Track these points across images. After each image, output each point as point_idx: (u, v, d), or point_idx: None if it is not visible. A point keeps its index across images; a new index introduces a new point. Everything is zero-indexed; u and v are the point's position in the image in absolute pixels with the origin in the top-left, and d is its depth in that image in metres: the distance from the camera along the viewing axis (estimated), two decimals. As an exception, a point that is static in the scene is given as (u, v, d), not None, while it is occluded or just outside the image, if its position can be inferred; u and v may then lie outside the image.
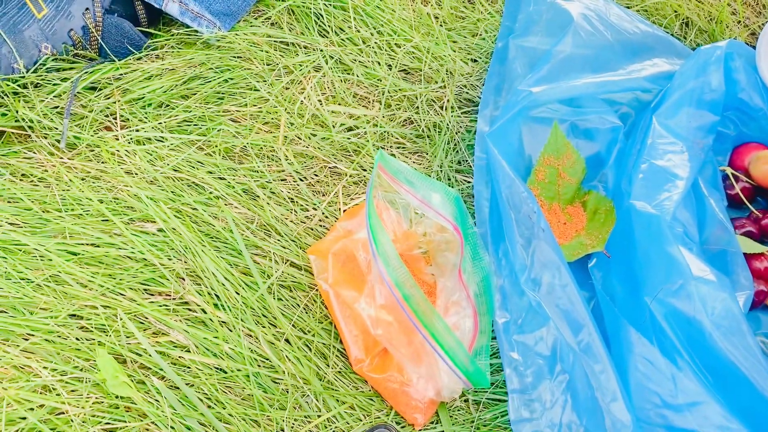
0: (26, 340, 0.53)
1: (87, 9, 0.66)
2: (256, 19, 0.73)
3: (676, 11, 0.81)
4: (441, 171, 0.69)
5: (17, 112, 0.62)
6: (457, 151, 0.70)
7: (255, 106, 0.69)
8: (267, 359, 0.56)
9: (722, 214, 0.63)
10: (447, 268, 0.58)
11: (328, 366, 0.58)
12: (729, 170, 0.69)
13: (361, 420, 0.56)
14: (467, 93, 0.73)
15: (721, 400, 0.50)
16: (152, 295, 0.57)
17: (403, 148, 0.70)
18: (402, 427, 0.56)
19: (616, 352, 0.56)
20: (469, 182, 0.68)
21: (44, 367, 0.52)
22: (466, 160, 0.70)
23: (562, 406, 0.53)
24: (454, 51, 0.75)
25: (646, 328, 0.54)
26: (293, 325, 0.58)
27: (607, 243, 0.62)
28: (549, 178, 0.67)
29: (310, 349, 0.58)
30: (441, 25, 0.77)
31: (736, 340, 0.51)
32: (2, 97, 0.62)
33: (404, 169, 0.57)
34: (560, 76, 0.68)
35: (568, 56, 0.68)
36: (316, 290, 0.60)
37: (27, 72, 0.63)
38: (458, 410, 0.57)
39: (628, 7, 0.80)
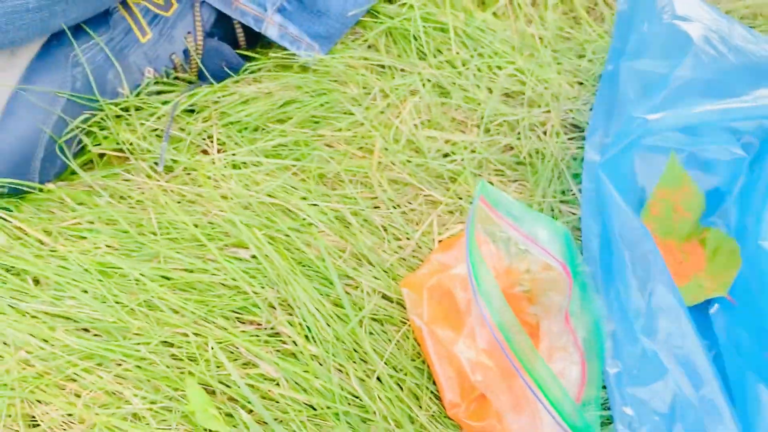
0: (119, 365, 0.53)
1: (189, 32, 0.66)
2: (353, 41, 0.72)
3: (807, 30, 0.73)
4: (544, 201, 0.65)
5: (118, 134, 0.63)
6: (562, 181, 0.66)
7: (350, 130, 0.67)
8: (357, 397, 0.54)
9: None
10: (552, 310, 0.54)
11: (421, 408, 0.54)
12: None
13: (455, 469, 0.52)
14: (573, 118, 0.69)
15: None
16: (243, 323, 0.56)
17: (503, 175, 0.67)
18: (499, 480, 0.52)
19: (742, 412, 0.50)
20: (574, 214, 0.64)
21: (135, 395, 0.52)
22: (571, 190, 0.65)
23: (683, 472, 0.47)
24: (559, 74, 0.71)
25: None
26: (385, 363, 0.55)
27: (731, 287, 0.56)
28: (664, 212, 0.61)
29: (402, 389, 0.55)
30: (545, 47, 0.73)
31: None
32: (105, 121, 0.63)
33: (507, 201, 0.53)
34: (678, 103, 0.63)
35: (687, 81, 0.63)
36: (409, 326, 0.57)
37: (130, 96, 0.64)
38: (561, 465, 0.53)
39: (752, 27, 0.73)
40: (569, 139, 0.68)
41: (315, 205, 0.63)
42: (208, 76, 0.68)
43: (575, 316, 0.53)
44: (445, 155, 0.66)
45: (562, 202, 0.65)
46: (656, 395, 0.50)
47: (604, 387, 0.54)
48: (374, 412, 0.53)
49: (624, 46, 0.69)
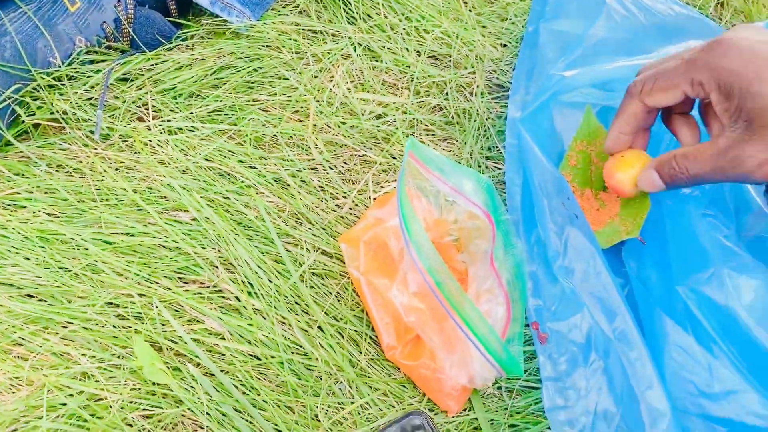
0: (65, 327, 0.54)
1: (119, 1, 0.66)
2: (284, 7, 0.73)
3: (711, -9, 0.79)
4: (471, 158, 0.69)
5: (52, 104, 0.63)
6: (488, 138, 0.70)
7: (284, 95, 0.69)
8: (300, 346, 0.57)
9: (760, 199, 0.61)
10: (479, 256, 0.58)
11: (361, 353, 0.58)
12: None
13: (393, 407, 0.56)
14: (497, 78, 0.73)
15: (758, 387, 0.49)
16: (186, 283, 0.58)
17: (433, 135, 0.70)
18: (435, 414, 0.56)
19: (651, 341, 0.55)
20: (500, 169, 0.68)
21: (83, 354, 0.53)
22: (497, 147, 0.69)
23: (597, 394, 0.52)
24: (484, 36, 0.75)
25: (681, 316, 0.54)
26: (326, 313, 0.58)
27: (642, 229, 0.61)
28: (581, 163, 0.66)
29: (343, 337, 0.58)
30: (470, 10, 0.76)
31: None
32: (38, 91, 0.63)
33: (435, 157, 0.56)
34: (593, 60, 0.67)
35: (600, 40, 0.67)
36: (348, 278, 0.60)
37: (62, 65, 0.64)
38: (491, 398, 0.57)
39: (661, -11, 0.78)
40: (494, 98, 0.72)
41: (253, 167, 0.65)
42: (141, 45, 0.68)
43: (499, 260, 0.57)
44: (378, 117, 0.69)
45: (488, 158, 0.69)
46: (574, 328, 0.54)
47: (528, 324, 0.58)
48: (317, 359, 0.56)
49: (543, 9, 0.73)
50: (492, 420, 0.56)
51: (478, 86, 0.71)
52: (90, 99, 0.65)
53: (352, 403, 0.56)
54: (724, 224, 0.58)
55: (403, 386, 0.57)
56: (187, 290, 0.57)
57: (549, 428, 0.54)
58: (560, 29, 0.70)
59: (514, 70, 0.72)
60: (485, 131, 0.70)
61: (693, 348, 0.52)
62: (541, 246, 0.59)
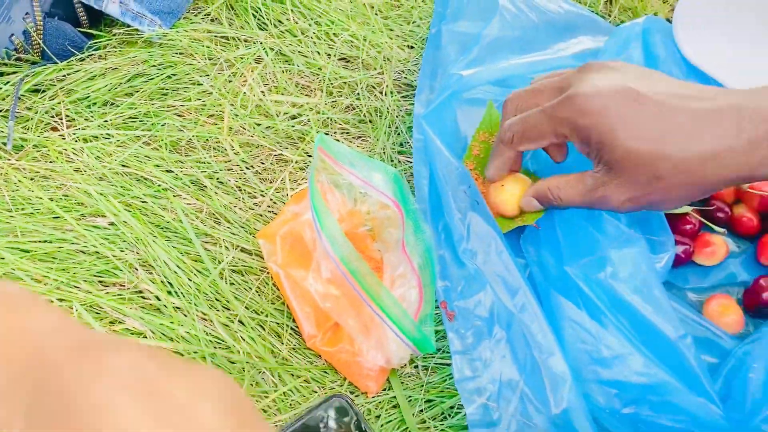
0: (-17, 336, 0.55)
1: (27, 13, 0.67)
2: (196, 15, 0.75)
3: (600, -8, 0.85)
4: (384, 153, 0.72)
5: (-39, 116, 0.63)
6: (399, 134, 0.73)
7: (199, 99, 0.71)
8: (222, 341, 0.59)
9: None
10: (391, 243, 0.61)
11: (282, 344, 0.60)
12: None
13: (316, 392, 0.59)
14: (405, 78, 0.77)
15: (642, 350, 0.55)
16: (107, 286, 0.59)
17: (347, 133, 0.73)
18: (356, 396, 0.59)
19: (550, 318, 0.59)
20: (411, 162, 0.71)
21: (3, 361, 0.54)
22: (408, 142, 0.73)
23: (501, 363, 0.56)
24: (391, 38, 0.78)
25: (574, 294, 0.58)
26: (246, 307, 0.61)
27: (545, 220, 0.66)
28: (484, 153, 0.70)
29: (264, 329, 0.60)
30: (377, 14, 0.79)
31: (647, 296, 0.55)
32: (-55, 103, 0.63)
33: (345, 151, 0.60)
34: (490, 59, 0.71)
35: (495, 39, 0.71)
36: (268, 273, 0.63)
37: (-31, 76, 0.64)
38: (409, 376, 0.61)
39: (554, -10, 0.84)
40: (403, 96, 0.76)
41: (170, 171, 0.66)
42: (52, 56, 0.69)
43: (410, 245, 0.60)
44: (293, 117, 0.72)
45: (399, 152, 0.73)
46: (478, 304, 0.58)
47: (437, 305, 0.62)
48: (239, 352, 0.58)
49: (444, 11, 0.77)
50: (409, 397, 0.59)
51: (387, 86, 0.75)
52: (0, 111, 0.65)
53: (276, 391, 0.58)
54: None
55: (325, 372, 0.60)
56: (107, 293, 0.59)
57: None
58: (460, 30, 0.74)
59: (420, 70, 0.76)
60: (396, 128, 0.74)
61: (585, 322, 0.56)
62: (448, 232, 0.62)
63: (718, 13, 0.79)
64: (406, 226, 0.60)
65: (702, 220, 0.70)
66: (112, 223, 0.62)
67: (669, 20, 0.80)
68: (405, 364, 0.60)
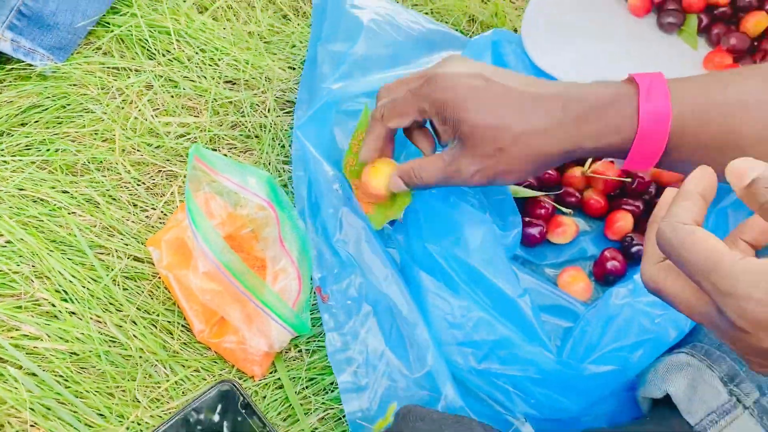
0: None
1: None
2: (88, 49, 0.81)
3: (463, 11, 0.95)
4: (269, 164, 0.79)
5: None
6: (282, 147, 0.80)
7: (92, 126, 0.76)
8: (116, 339, 0.64)
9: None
10: (270, 241, 0.68)
11: (174, 339, 0.65)
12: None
13: (206, 380, 0.64)
14: (287, 96, 0.84)
15: (490, 311, 0.62)
16: (3, 297, 0.64)
17: (235, 147, 0.80)
18: (244, 381, 0.65)
19: (415, 294, 0.66)
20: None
21: None
22: (291, 153, 0.80)
23: (368, 335, 0.63)
24: (273, 61, 0.86)
25: (435, 269, 0.66)
26: (138, 308, 0.66)
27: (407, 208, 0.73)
28: (362, 151, 0.78)
29: (156, 327, 0.66)
30: (260, 39, 0.87)
31: (494, 265, 0.63)
32: None
33: (220, 159, 0.66)
34: (360, 73, 0.79)
35: (363, 55, 0.80)
36: (159, 278, 0.68)
37: None
38: (293, 359, 0.67)
39: (421, 11, 0.93)
40: (286, 113, 0.83)
41: (65, 192, 0.71)
42: (-53, 92, 0.73)
43: (288, 241, 0.67)
44: (181, 136, 0.78)
45: (284, 163, 0.80)
46: (349, 286, 0.65)
47: (313, 292, 0.68)
48: (132, 348, 0.63)
49: (320, 33, 0.85)
50: (293, 377, 0.65)
51: (270, 103, 0.82)
52: None
53: (168, 381, 0.63)
54: (472, 194, 0.72)
55: (215, 362, 0.65)
56: (3, 303, 0.63)
57: (339, 374, 0.64)
58: (333, 50, 0.82)
59: (299, 87, 0.83)
60: (280, 141, 0.81)
61: (444, 292, 0.64)
62: (324, 227, 0.69)
63: (563, 23, 0.89)
64: (281, 224, 0.67)
65: (554, 204, 0.78)
66: (8, 241, 0.66)
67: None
68: (289, 349, 0.66)
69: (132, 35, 0.82)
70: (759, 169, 0.35)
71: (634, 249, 0.75)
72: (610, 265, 0.74)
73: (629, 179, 0.79)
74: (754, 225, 0.41)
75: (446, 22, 0.93)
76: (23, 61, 0.77)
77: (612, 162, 0.81)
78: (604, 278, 0.75)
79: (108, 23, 0.83)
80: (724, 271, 0.34)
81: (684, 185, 0.38)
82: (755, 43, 0.96)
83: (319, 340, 0.67)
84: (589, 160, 0.81)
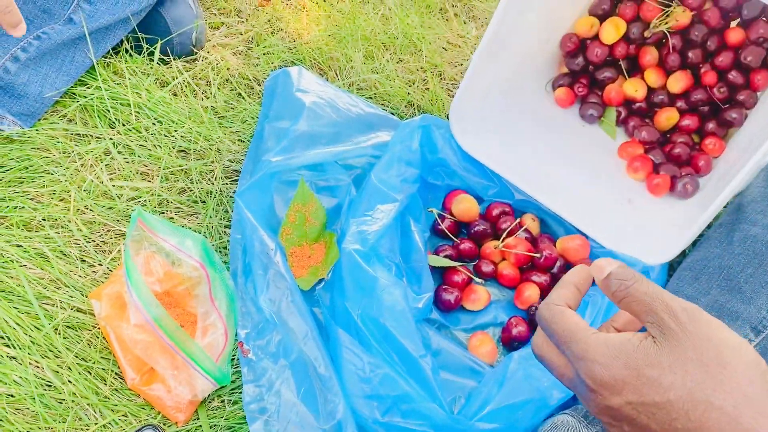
0: None
1: None
2: (54, 116, 0.89)
3: (403, 97, 1.05)
4: (212, 228, 0.86)
5: None
6: (226, 212, 0.88)
7: (51, 186, 0.83)
8: (51, 383, 0.69)
9: (420, 241, 0.84)
10: (202, 298, 0.74)
11: (106, 385, 0.71)
12: (435, 211, 0.91)
13: (132, 424, 0.69)
14: (234, 166, 0.92)
15: (397, 369, 0.69)
16: (-51, 341, 0.69)
17: (182, 211, 0.87)
18: (168, 426, 0.70)
19: (333, 348, 0.73)
20: (232, 234, 0.86)
21: None
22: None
23: (282, 386, 0.69)
24: (225, 134, 0.94)
25: (352, 329, 0.73)
26: (75, 356, 0.71)
27: (332, 272, 0.81)
28: (298, 221, 0.85)
29: (91, 374, 0.71)
30: (214, 114, 0.96)
31: (403, 326, 0.70)
32: None
33: (159, 222, 0.73)
34: (302, 149, 0.88)
35: (304, 132, 0.89)
36: (98, 328, 0.74)
37: None
38: (215, 409, 0.72)
39: (366, 96, 1.03)
40: (232, 181, 0.91)
41: (18, 246, 0.78)
42: None
43: (218, 299, 0.73)
44: (133, 199, 0.85)
45: (226, 227, 0.87)
46: (269, 342, 0.72)
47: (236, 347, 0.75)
48: (65, 392, 0.69)
49: (268, 111, 0.94)
50: (213, 425, 0.70)
51: (217, 172, 0.90)
52: None
53: (96, 424, 0.68)
54: (391, 260, 0.79)
55: (142, 407, 0.71)
56: (-51, 347, 0.68)
57: (256, 424, 0.70)
58: (278, 127, 0.91)
59: (245, 159, 0.92)
60: (224, 207, 0.88)
61: (357, 348, 0.70)
62: (254, 286, 0.76)
63: (491, 110, 0.99)
64: (213, 282, 0.73)
65: (469, 274, 0.86)
66: (-40, 289, 0.72)
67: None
68: (212, 398, 0.72)
69: (95, 106, 0.90)
70: (614, 266, 0.43)
71: (537, 318, 0.82)
72: (515, 331, 0.81)
73: (538, 255, 0.87)
74: (621, 315, 0.48)
75: (387, 106, 1.02)
76: (-8, 125, 0.84)
77: (524, 239, 0.90)
78: (510, 343, 0.82)
79: (74, 94, 0.91)
80: (580, 340, 0.41)
81: (563, 277, 0.46)
82: (667, 136, 1.07)
83: (239, 392, 0.73)
84: (504, 234, 0.90)
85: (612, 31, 1.05)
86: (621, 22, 1.06)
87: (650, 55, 1.07)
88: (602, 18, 1.07)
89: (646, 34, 1.06)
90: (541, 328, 0.44)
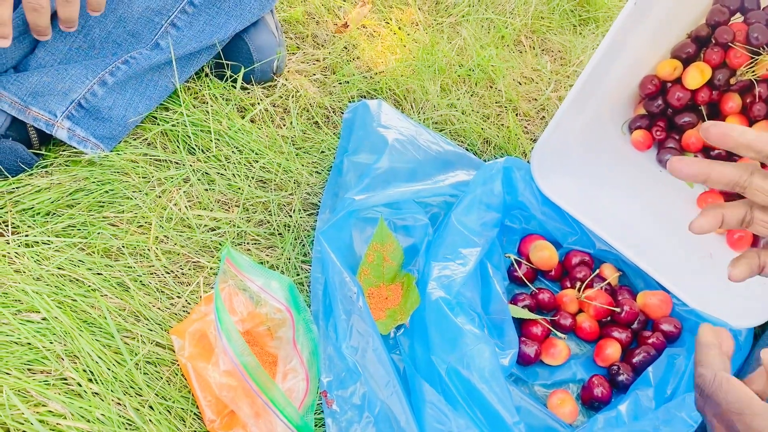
0: None
1: (-15, 135, 0.79)
2: (135, 140, 0.89)
3: (479, 134, 1.03)
4: (289, 262, 0.85)
5: None
6: (303, 246, 0.87)
7: (131, 212, 0.83)
8: (133, 422, 0.68)
9: (501, 290, 0.82)
10: (284, 341, 0.73)
11: (186, 426, 0.70)
12: (512, 257, 0.89)
13: (212, 469, 0.68)
14: (312, 199, 0.91)
15: (484, 430, 0.67)
16: (34, 373, 0.68)
17: (259, 243, 0.86)
18: (246, 473, 0.69)
19: (415, 401, 0.71)
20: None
21: (-65, 438, 0.62)
22: (311, 253, 0.86)
23: (367, 444, 0.68)
24: (303, 165, 0.93)
25: (436, 381, 0.71)
26: (156, 394, 0.70)
27: (413, 317, 0.79)
28: (376, 261, 0.84)
29: (171, 413, 0.70)
30: (292, 145, 0.95)
31: (492, 386, 0.68)
32: None
33: (246, 262, 0.72)
34: (381, 186, 0.87)
35: (386, 170, 0.87)
36: (178, 365, 0.73)
37: (-71, 189, 0.75)
38: (294, 457, 0.71)
39: (441, 130, 1.01)
40: (309, 215, 0.90)
41: (99, 274, 0.77)
42: (4, 171, 0.80)
43: (301, 343, 0.72)
44: (212, 229, 0.85)
45: (303, 262, 0.86)
46: (353, 394, 0.70)
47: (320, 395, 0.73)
48: (146, 433, 0.68)
49: (347, 145, 0.93)
50: (293, 474, 0.69)
51: (296, 205, 0.89)
52: (-46, 217, 0.76)
53: (176, 468, 0.67)
54: (473, 309, 0.77)
55: (221, 452, 0.69)
56: (34, 379, 0.68)
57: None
58: (359, 161, 0.90)
59: (324, 193, 0.90)
60: (301, 241, 0.87)
61: (442, 405, 0.69)
62: (335, 331, 0.75)
63: (570, 155, 0.97)
64: (297, 327, 0.72)
65: (548, 326, 0.84)
66: (44, 318, 0.72)
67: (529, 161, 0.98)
68: (291, 446, 0.71)
69: (177, 131, 0.89)
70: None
71: (620, 378, 0.80)
72: (597, 392, 0.79)
73: (618, 309, 0.85)
74: (760, 376, 0.47)
75: (463, 142, 1.01)
76: (75, 148, 0.84)
77: (603, 290, 0.87)
78: (590, 403, 0.80)
79: (156, 118, 0.90)
80: (755, 412, 0.41)
81: (705, 340, 0.47)
82: (746, 187, 1.04)
83: (320, 441, 0.72)
84: (583, 285, 0.87)
85: (697, 75, 1.02)
86: (706, 67, 1.03)
87: (733, 102, 1.04)
88: (685, 62, 1.04)
89: (732, 81, 1.03)
90: (703, 395, 0.44)
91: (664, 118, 1.08)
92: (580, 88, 0.84)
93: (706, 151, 1.06)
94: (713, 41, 1.02)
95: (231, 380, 0.68)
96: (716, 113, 1.06)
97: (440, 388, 0.70)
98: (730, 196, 1.02)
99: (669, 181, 1.05)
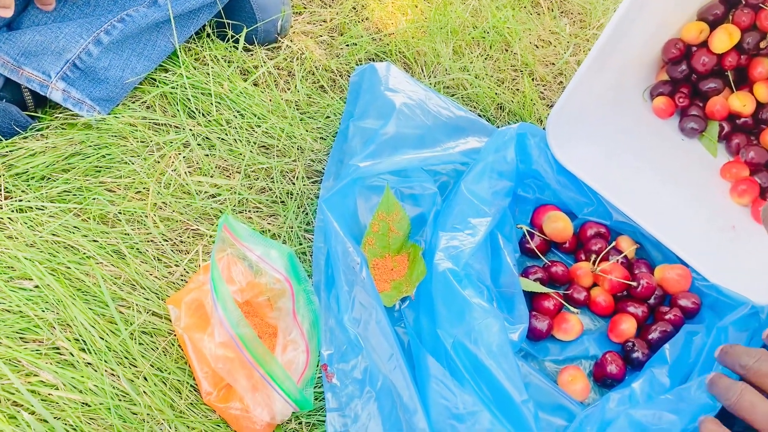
0: None
1: (-23, 96, 0.76)
2: (133, 103, 0.85)
3: (493, 99, 0.98)
4: (292, 231, 0.82)
5: None
6: (306, 214, 0.84)
7: (129, 177, 0.80)
8: (127, 394, 0.66)
9: (512, 262, 0.78)
10: (284, 312, 0.70)
11: (182, 398, 0.68)
12: (525, 228, 0.85)
13: (208, 443, 0.66)
14: (315, 166, 0.87)
15: (491, 408, 0.64)
16: (26, 342, 0.66)
17: (260, 211, 0.83)
18: (244, 447, 0.66)
19: (419, 375, 0.68)
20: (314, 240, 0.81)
21: (-77, 407, 0.60)
22: (313, 222, 0.83)
23: (368, 419, 0.65)
24: (307, 130, 0.89)
25: (441, 355, 0.68)
26: (151, 365, 0.68)
27: (419, 289, 0.76)
28: (382, 230, 0.81)
29: (166, 385, 0.68)
30: (296, 109, 0.91)
31: (500, 362, 0.65)
32: None
33: (245, 230, 0.69)
34: (388, 152, 0.83)
35: (392, 136, 0.83)
36: (174, 335, 0.71)
37: None
38: (293, 431, 0.69)
39: (453, 95, 0.97)
40: (312, 182, 0.86)
41: (95, 241, 0.75)
42: (-3, 133, 0.78)
43: (301, 314, 0.69)
44: (212, 196, 0.82)
45: (306, 231, 0.83)
46: (355, 367, 0.67)
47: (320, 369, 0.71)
48: (141, 405, 0.66)
49: (353, 110, 0.89)
50: (291, 449, 0.67)
51: (299, 172, 0.86)
52: (-55, 181, 0.74)
53: (171, 440, 0.65)
54: (482, 281, 0.74)
55: (218, 425, 0.67)
56: (26, 348, 0.66)
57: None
58: (364, 127, 0.86)
59: (328, 159, 0.87)
60: (304, 209, 0.84)
61: (447, 380, 0.66)
62: (337, 303, 0.72)
63: (588, 122, 0.92)
64: (297, 298, 0.69)
65: (561, 301, 0.81)
66: (37, 286, 0.69)
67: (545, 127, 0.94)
68: (290, 420, 0.68)
69: (176, 94, 0.86)
70: None
71: (634, 355, 0.77)
72: (610, 368, 0.76)
73: (635, 284, 0.81)
74: None
75: (475, 108, 0.96)
76: (71, 110, 0.81)
77: (619, 263, 0.83)
78: (602, 380, 0.76)
79: (155, 80, 0.87)
80: None
81: None
82: (774, 157, 0.99)
83: (320, 415, 0.69)
84: (599, 258, 0.83)
85: (725, 38, 0.97)
86: (735, 29, 0.97)
87: (762, 67, 0.98)
88: (713, 24, 0.98)
89: (762, 45, 0.97)
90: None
91: (688, 84, 1.02)
92: (600, 52, 0.79)
93: (733, 119, 1.01)
94: (743, 2, 0.96)
95: (227, 352, 0.65)
96: (744, 79, 1.01)
97: (446, 362, 0.67)
98: (755, 167, 0.97)
99: (691, 150, 1.00)
